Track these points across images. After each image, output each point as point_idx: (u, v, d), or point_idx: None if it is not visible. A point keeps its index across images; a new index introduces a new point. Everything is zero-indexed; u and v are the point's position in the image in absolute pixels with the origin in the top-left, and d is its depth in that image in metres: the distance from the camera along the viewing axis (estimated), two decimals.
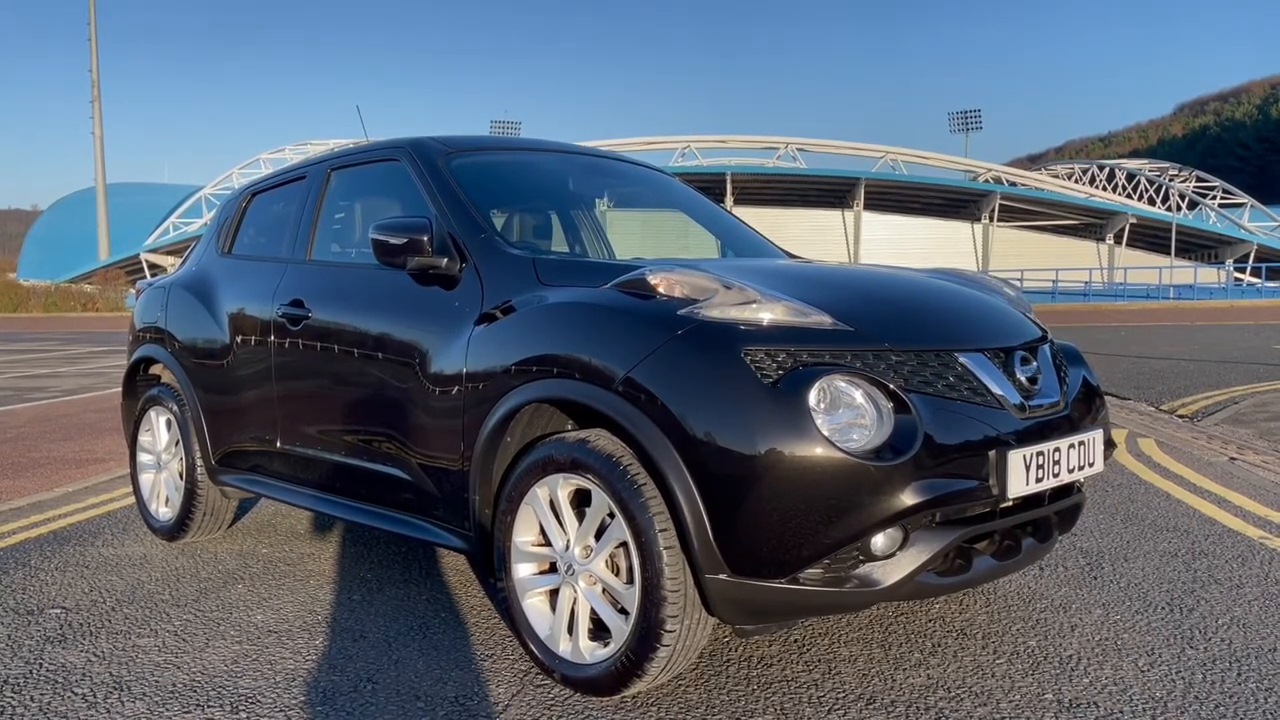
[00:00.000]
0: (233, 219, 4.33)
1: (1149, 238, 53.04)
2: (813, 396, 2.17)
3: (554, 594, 2.60)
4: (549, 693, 2.55)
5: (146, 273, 45.11)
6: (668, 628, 2.29)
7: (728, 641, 2.87)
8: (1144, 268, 44.85)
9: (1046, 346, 2.75)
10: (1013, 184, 57.26)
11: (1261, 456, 5.56)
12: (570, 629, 2.53)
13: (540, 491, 2.57)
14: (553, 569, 2.60)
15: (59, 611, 3.28)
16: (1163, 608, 3.10)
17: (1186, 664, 2.65)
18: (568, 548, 2.53)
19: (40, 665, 2.80)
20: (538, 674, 2.66)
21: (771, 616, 2.35)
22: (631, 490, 2.31)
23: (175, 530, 4.14)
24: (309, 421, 3.47)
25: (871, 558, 2.22)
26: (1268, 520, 4.18)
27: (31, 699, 2.56)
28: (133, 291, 4.86)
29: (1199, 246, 53.72)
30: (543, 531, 2.61)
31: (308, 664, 2.77)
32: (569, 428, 2.72)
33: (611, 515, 2.39)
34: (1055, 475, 2.44)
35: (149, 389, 4.39)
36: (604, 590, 2.47)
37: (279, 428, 3.61)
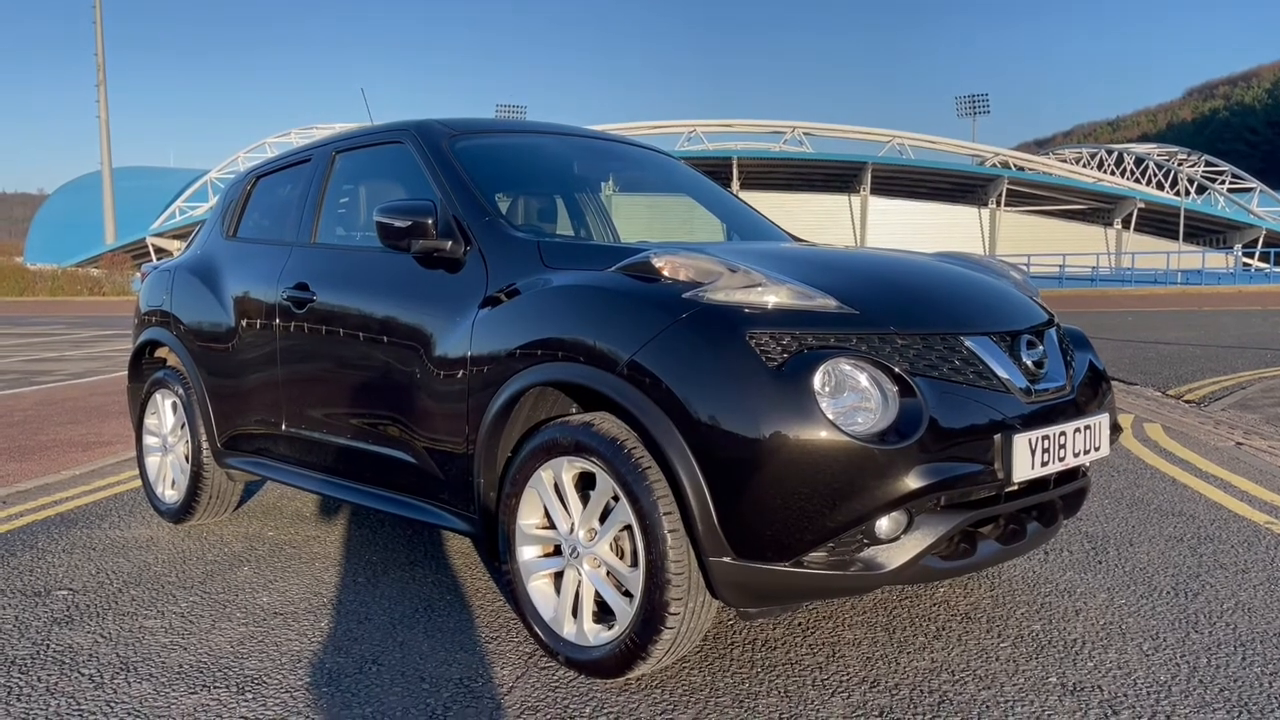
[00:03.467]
0: (237, 202, 4.33)
1: (1157, 222, 52.80)
2: (817, 380, 2.16)
3: (558, 577, 2.61)
4: (553, 675, 2.55)
5: (153, 256, 45.22)
6: (671, 610, 2.29)
7: (732, 624, 2.88)
8: (1152, 253, 44.68)
9: (1053, 330, 2.73)
10: (1020, 168, 57.03)
11: (1268, 442, 5.54)
12: (575, 611, 2.54)
13: (545, 475, 2.57)
14: (557, 552, 2.61)
15: (66, 593, 3.30)
16: (1168, 592, 3.10)
17: (1191, 648, 2.65)
18: (572, 531, 2.53)
19: (48, 646, 2.81)
20: (542, 656, 2.66)
21: (775, 599, 2.35)
22: (636, 473, 2.31)
23: (181, 513, 4.15)
24: (314, 405, 3.47)
25: (876, 541, 2.22)
26: (1274, 505, 4.17)
27: (39, 679, 2.58)
28: (138, 275, 4.86)
29: (1207, 231, 53.50)
30: (547, 514, 2.61)
31: (313, 645, 2.78)
32: (573, 411, 2.72)
33: (616, 498, 2.39)
34: (1061, 459, 2.43)
35: (155, 372, 4.39)
36: (608, 573, 2.47)
37: (284, 411, 3.61)
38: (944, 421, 2.22)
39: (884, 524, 2.21)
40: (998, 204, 53.69)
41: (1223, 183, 60.46)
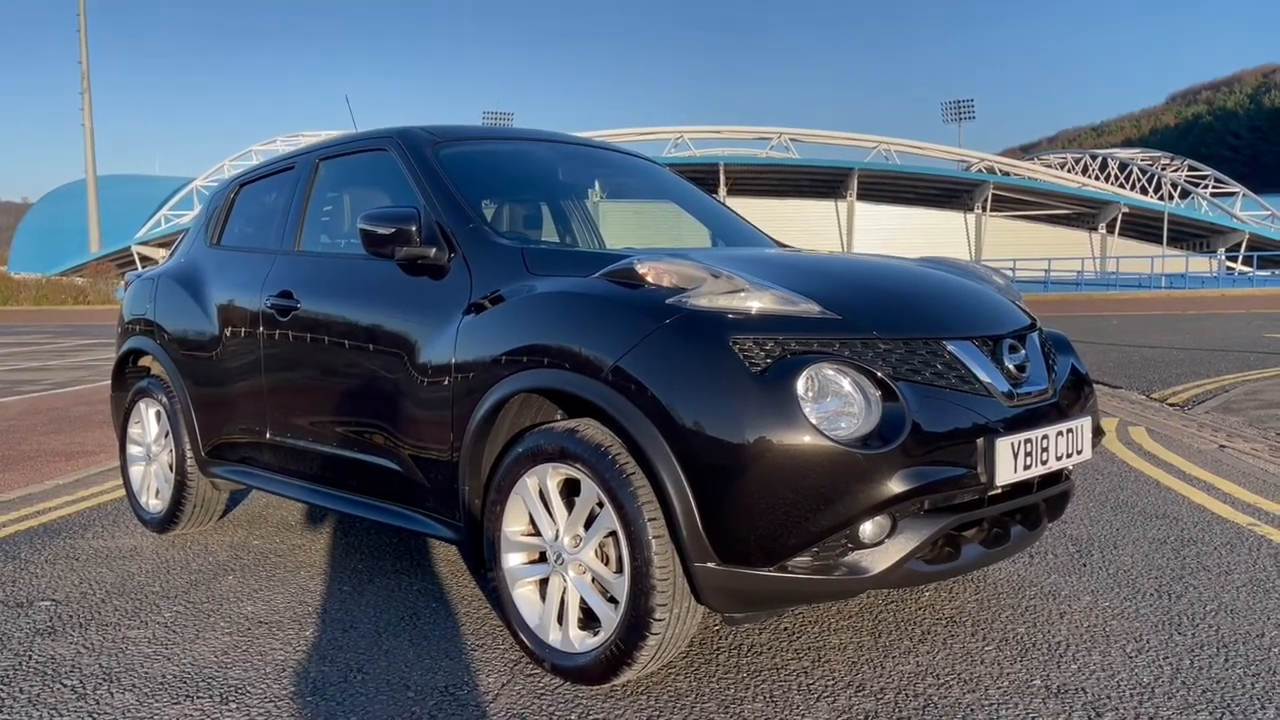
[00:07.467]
0: (221, 210, 4.31)
1: (1141, 227, 53.21)
2: (801, 385, 2.17)
3: (544, 583, 2.60)
4: (539, 682, 2.55)
5: (138, 265, 44.97)
6: (657, 616, 2.29)
7: (717, 630, 2.88)
8: (1136, 257, 45.00)
9: (1035, 334, 2.75)
10: (1005, 174, 57.41)
11: (1251, 444, 5.58)
12: (560, 618, 2.53)
13: (530, 481, 2.57)
14: (542, 558, 2.60)
15: (49, 604, 3.27)
16: (1151, 594, 3.12)
17: (1174, 650, 2.67)
18: (557, 537, 2.53)
19: (30, 657, 2.79)
20: (528, 663, 2.66)
21: (760, 604, 2.35)
22: (620, 479, 2.31)
23: (166, 522, 4.13)
24: (298, 413, 3.46)
25: (860, 545, 2.22)
26: (1256, 507, 4.20)
27: (21, 690, 2.56)
28: (122, 284, 4.84)
29: (1191, 235, 53.92)
30: (532, 521, 2.61)
31: (298, 655, 2.77)
32: (558, 417, 2.72)
33: (600, 504, 2.39)
34: (1044, 463, 2.44)
35: (138, 381, 4.37)
36: (593, 579, 2.47)
37: (269, 419, 3.60)
38: (927, 426, 2.23)
39: (868, 528, 2.21)
40: (983, 209, 53.99)
41: (1206, 187, 60.94)
